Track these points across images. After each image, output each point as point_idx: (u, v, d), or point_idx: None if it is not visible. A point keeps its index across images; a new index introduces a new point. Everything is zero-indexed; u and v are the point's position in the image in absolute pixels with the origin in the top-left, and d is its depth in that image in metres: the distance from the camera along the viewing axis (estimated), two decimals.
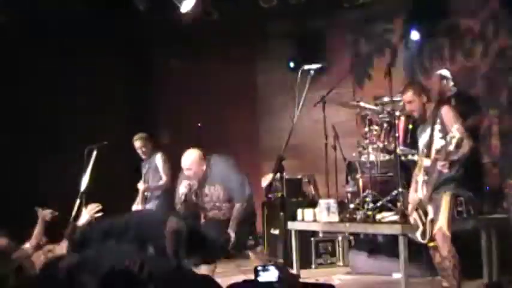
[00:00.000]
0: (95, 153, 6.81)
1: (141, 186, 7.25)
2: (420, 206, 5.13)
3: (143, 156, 7.40)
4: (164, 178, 7.24)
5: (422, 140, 5.27)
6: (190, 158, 5.99)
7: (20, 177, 7.63)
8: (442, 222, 4.98)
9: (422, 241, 5.16)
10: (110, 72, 8.89)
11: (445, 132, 4.95)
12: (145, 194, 7.29)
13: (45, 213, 5.37)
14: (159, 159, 7.30)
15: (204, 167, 5.96)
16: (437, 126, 5.05)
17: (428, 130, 5.13)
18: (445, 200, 5.02)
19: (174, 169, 7.25)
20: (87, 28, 8.21)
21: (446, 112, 5.11)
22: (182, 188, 5.94)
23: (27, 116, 7.97)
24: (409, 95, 5.28)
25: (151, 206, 7.24)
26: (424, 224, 5.11)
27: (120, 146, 7.60)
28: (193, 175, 5.95)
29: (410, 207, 5.28)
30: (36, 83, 7.97)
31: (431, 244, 5.13)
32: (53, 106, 8.17)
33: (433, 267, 5.42)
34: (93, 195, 6.56)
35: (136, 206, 7.27)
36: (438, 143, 4.95)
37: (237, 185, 5.93)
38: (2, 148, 7.51)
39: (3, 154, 7.49)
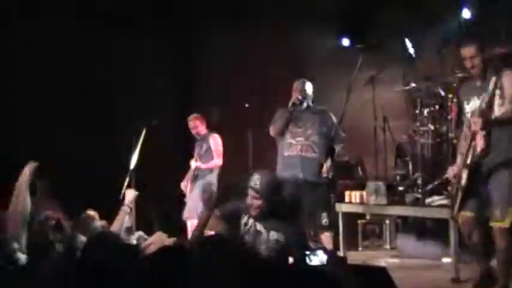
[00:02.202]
0: (144, 131, 6.86)
1: (193, 164, 7.33)
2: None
3: (197, 136, 7.47)
4: (216, 158, 7.29)
5: (473, 102, 4.75)
6: (307, 83, 6.05)
7: (68, 154, 7.75)
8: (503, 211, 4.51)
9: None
10: (158, 49, 8.91)
11: (503, 99, 4.53)
12: (195, 172, 7.34)
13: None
14: (212, 140, 7.36)
15: (309, 95, 5.99)
16: (498, 92, 4.53)
17: (485, 95, 4.54)
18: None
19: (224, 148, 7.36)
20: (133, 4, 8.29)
21: (508, 77, 4.59)
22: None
23: (76, 93, 8.09)
24: (471, 49, 4.72)
25: (199, 184, 7.29)
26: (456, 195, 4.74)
27: (168, 125, 7.65)
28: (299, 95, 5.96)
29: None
30: (84, 60, 8.06)
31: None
32: (103, 84, 8.26)
33: None
34: (142, 174, 6.66)
35: (185, 183, 7.37)
36: (498, 110, 4.51)
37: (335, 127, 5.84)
38: (55, 125, 7.66)
39: (54, 131, 7.63)
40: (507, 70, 4.68)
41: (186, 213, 7.25)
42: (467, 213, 4.74)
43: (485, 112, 4.47)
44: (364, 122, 7.46)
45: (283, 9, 8.70)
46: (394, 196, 6.36)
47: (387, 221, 7.32)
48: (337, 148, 5.86)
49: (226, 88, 8.78)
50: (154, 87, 8.72)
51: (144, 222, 6.66)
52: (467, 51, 4.78)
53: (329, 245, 5.59)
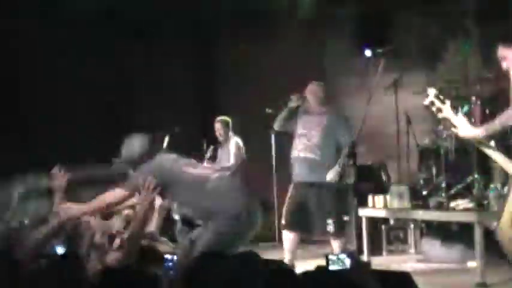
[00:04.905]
0: (166, 139, 6.89)
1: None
2: None
3: (220, 138, 7.56)
4: (232, 161, 7.34)
5: None
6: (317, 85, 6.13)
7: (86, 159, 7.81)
8: None
9: None
10: (177, 56, 8.98)
11: None
12: None
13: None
14: (233, 144, 7.45)
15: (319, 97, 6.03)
16: None
17: None
18: None
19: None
20: (155, 11, 8.38)
21: None
22: None
23: (98, 102, 8.17)
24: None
25: None
26: None
27: (188, 132, 7.72)
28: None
29: None
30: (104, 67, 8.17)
31: None
32: (126, 93, 8.35)
33: None
34: None
35: None
36: None
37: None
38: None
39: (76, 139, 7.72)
40: None
41: None
42: None
43: None
44: (387, 126, 7.43)
45: (303, 18, 8.73)
46: (417, 200, 6.32)
47: (411, 226, 7.26)
48: (345, 150, 5.80)
49: (247, 96, 8.83)
50: (172, 94, 8.80)
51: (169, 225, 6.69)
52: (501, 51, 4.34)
53: None
